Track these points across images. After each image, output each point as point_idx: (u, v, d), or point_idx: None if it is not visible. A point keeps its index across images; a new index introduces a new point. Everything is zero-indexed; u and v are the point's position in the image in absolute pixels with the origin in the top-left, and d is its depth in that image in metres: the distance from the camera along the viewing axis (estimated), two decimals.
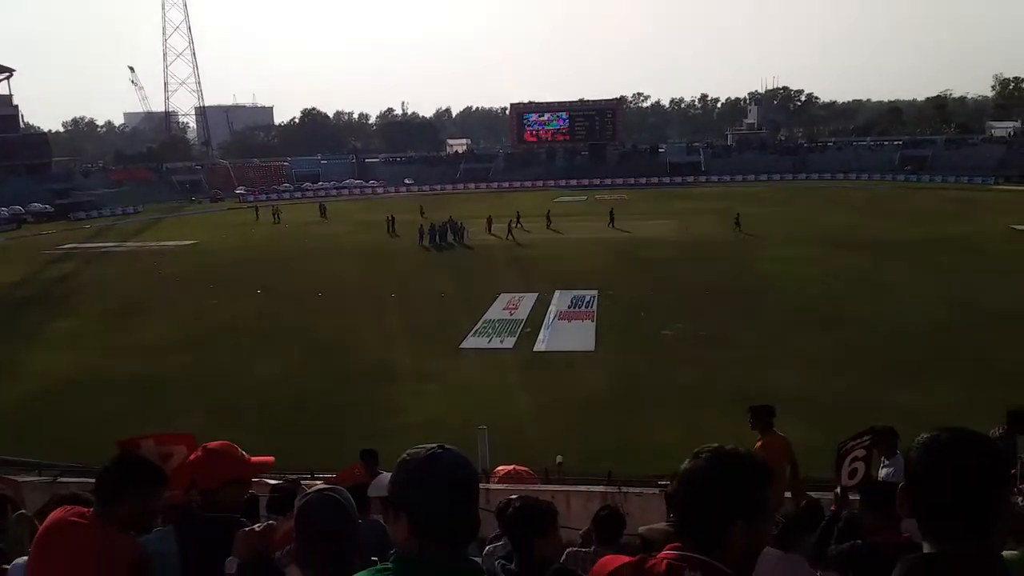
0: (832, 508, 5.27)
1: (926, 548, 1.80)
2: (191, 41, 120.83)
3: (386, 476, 2.27)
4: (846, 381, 19.06)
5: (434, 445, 1.95)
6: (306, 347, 24.45)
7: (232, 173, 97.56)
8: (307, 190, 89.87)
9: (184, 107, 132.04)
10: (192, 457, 3.28)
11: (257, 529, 2.72)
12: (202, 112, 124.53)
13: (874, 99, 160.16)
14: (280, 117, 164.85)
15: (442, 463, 1.91)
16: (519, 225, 48.98)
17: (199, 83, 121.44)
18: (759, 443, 8.10)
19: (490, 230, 48.20)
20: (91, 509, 2.98)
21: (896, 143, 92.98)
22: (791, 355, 21.35)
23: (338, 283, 34.45)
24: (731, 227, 44.92)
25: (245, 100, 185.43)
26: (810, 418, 15.12)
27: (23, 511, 5.86)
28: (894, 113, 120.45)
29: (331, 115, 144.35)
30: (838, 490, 5.34)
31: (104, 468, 3.10)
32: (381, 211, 57.75)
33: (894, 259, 34.64)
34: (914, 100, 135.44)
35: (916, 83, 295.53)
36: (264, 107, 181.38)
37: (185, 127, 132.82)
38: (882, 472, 7.57)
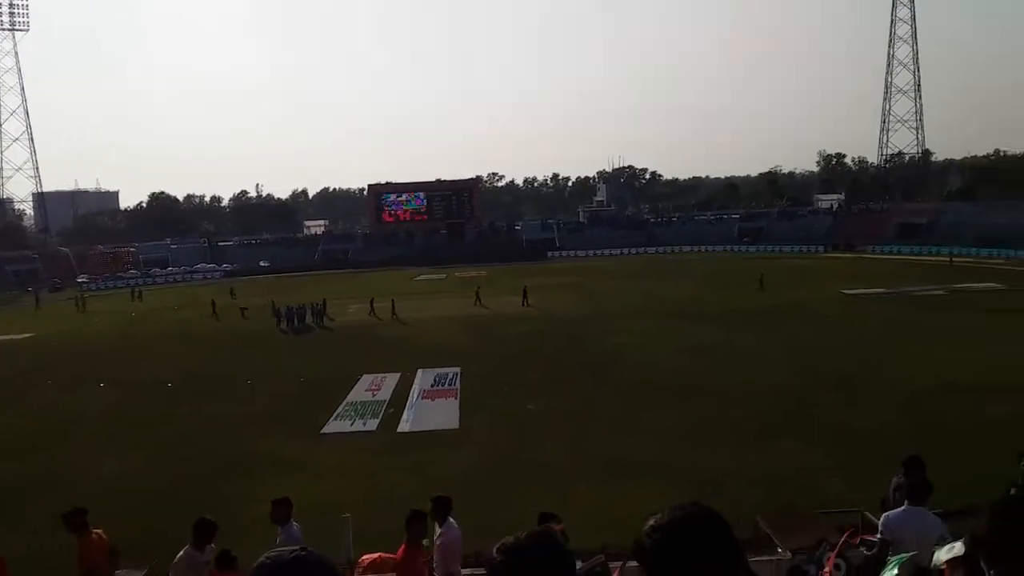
0: None
1: None
2: (28, 126, 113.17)
3: None
4: (702, 447, 19.57)
5: (297, 548, 1.78)
6: (155, 441, 22.95)
7: (73, 260, 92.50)
8: (156, 276, 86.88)
9: (20, 193, 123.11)
10: None
11: None
12: (40, 198, 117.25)
13: (712, 176, 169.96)
14: (126, 202, 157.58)
15: (305, 569, 1.73)
16: (383, 307, 48.40)
17: (37, 168, 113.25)
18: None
19: (372, 311, 47.23)
20: None
21: (734, 216, 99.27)
22: (650, 425, 21.79)
23: (189, 371, 32.84)
24: (755, 287, 48.69)
25: (88, 185, 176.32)
26: (669, 484, 15.43)
27: None
28: (731, 189, 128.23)
29: (181, 199, 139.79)
30: None
31: None
32: (237, 295, 55.76)
33: (740, 328, 36.33)
34: (748, 176, 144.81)
35: (749, 160, 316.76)
36: (109, 192, 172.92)
37: (21, 215, 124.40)
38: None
